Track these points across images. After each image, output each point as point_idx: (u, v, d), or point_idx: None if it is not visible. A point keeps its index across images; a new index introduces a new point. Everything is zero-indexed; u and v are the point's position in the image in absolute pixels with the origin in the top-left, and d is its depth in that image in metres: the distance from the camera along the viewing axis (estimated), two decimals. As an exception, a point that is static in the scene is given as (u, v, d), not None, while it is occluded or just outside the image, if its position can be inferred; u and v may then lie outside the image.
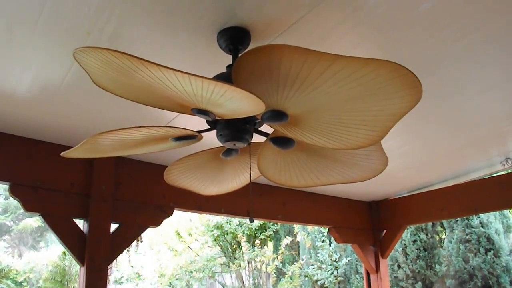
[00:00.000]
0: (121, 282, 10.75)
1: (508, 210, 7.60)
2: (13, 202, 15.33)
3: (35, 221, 14.52)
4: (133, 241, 4.22)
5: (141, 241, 5.60)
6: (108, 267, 3.92)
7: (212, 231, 8.97)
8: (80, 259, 3.65)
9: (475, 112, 3.46)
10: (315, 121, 1.75)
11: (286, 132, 1.87)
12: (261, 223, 8.85)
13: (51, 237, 15.32)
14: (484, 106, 3.37)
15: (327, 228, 7.99)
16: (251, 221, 2.18)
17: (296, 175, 2.35)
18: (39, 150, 3.56)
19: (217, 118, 1.80)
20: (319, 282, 8.42)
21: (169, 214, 4.13)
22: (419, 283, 7.50)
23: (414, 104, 1.56)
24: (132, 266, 9.85)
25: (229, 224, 8.90)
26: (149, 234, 10.64)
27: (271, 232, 8.93)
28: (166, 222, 9.35)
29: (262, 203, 4.89)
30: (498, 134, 4.03)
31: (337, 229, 5.61)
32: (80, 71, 2.56)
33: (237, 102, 1.53)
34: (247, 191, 4.28)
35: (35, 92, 2.83)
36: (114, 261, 6.00)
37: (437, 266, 7.52)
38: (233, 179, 2.57)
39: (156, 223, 4.06)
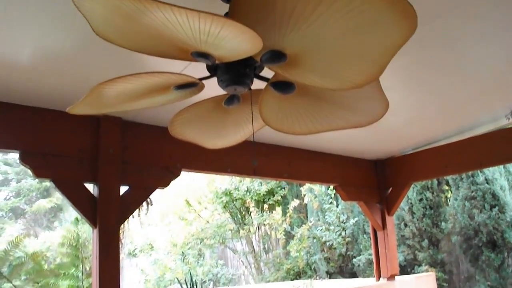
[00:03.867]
0: (135, 254, 10.87)
1: (513, 165, 7.63)
2: (25, 185, 15.46)
3: (48, 202, 14.65)
4: (142, 202, 4.31)
5: (151, 204, 5.69)
6: (120, 231, 4.00)
7: (221, 198, 9.05)
8: (92, 221, 3.74)
9: (476, 63, 3.47)
10: (313, 61, 1.78)
11: (286, 74, 1.89)
12: (269, 188, 8.91)
13: (65, 216, 15.46)
14: (484, 57, 3.38)
15: (334, 189, 8.08)
16: (254, 163, 2.22)
17: (298, 122, 2.38)
18: (46, 118, 3.62)
19: (217, 62, 1.83)
20: (327, 243, 8.52)
21: (177, 174, 4.20)
22: (426, 240, 7.58)
23: (409, 35, 1.57)
24: (142, 226, 9.92)
25: (238, 190, 8.98)
26: (159, 206, 10.75)
27: (279, 197, 9.00)
28: (175, 191, 9.47)
29: (268, 162, 4.95)
30: (502, 87, 4.05)
31: (343, 187, 5.67)
32: (80, 39, 2.61)
33: (235, 39, 1.55)
34: (253, 150, 4.33)
35: (38, 61, 2.87)
36: (127, 230, 6.11)
37: (443, 223, 7.59)
38: (236, 131, 2.59)
39: (164, 184, 4.14)
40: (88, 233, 5.12)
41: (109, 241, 3.76)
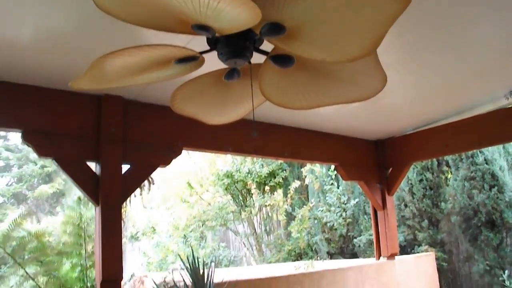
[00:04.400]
0: (137, 237, 10.93)
1: (512, 145, 7.66)
2: (27, 171, 15.49)
3: (50, 187, 14.70)
4: (144, 181, 4.36)
5: (153, 184, 5.74)
6: (123, 211, 4.05)
7: (222, 180, 9.11)
8: (95, 199, 3.79)
9: (475, 43, 3.49)
10: (311, 33, 1.80)
11: (285, 47, 1.92)
12: (270, 170, 8.96)
13: (67, 201, 15.48)
14: (484, 37, 3.40)
15: (335, 169, 8.13)
16: (255, 135, 2.25)
17: (298, 96, 2.41)
18: (48, 97, 3.65)
19: (217, 35, 1.86)
20: (328, 224, 8.59)
21: (178, 153, 4.24)
22: (425, 221, 7.64)
23: (404, 7, 1.60)
24: (144, 207, 9.98)
25: (239, 172, 9.03)
26: (161, 189, 10.80)
27: (280, 179, 9.05)
28: (177, 174, 9.50)
29: (269, 141, 4.99)
30: (501, 67, 4.06)
31: (343, 167, 5.72)
32: (82, 17, 2.63)
33: (234, 10, 1.58)
34: (252, 123, 4.35)
35: (39, 40, 2.90)
36: (129, 210, 6.17)
37: (442, 204, 7.64)
38: (237, 106, 2.62)
39: (166, 162, 4.18)
40: (90, 213, 5.17)
41: (111, 218, 3.81)
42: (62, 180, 15.19)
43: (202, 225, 9.33)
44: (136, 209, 10.80)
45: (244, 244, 9.72)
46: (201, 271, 4.20)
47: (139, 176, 4.10)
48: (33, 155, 15.32)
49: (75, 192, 5.64)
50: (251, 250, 9.38)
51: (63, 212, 5.98)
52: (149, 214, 11.00)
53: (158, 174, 10.70)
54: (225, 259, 9.53)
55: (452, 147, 5.77)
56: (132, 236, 10.86)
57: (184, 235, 9.54)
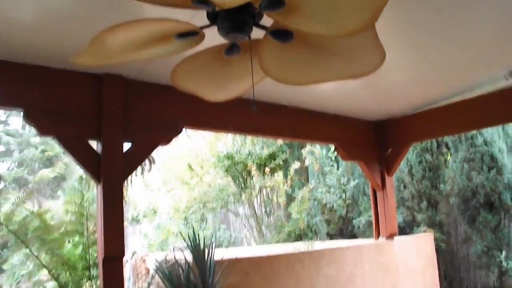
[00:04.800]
0: (138, 219, 10.97)
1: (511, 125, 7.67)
2: (28, 155, 15.50)
3: (51, 172, 14.71)
4: (145, 159, 4.40)
5: (154, 163, 5.79)
6: (124, 187, 4.09)
7: (222, 161, 9.14)
8: (96, 177, 3.84)
9: (474, 23, 3.50)
10: (311, 7, 1.82)
11: (284, 22, 1.94)
12: (270, 152, 8.98)
13: (68, 185, 15.48)
14: (483, 17, 3.41)
15: (335, 149, 8.16)
16: (254, 109, 2.28)
17: (297, 72, 2.43)
18: (49, 76, 3.68)
19: (217, 10, 1.89)
20: (327, 205, 8.65)
21: (179, 131, 4.28)
22: (424, 202, 7.69)
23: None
24: (145, 186, 10.02)
25: (239, 154, 9.06)
26: (162, 172, 10.83)
27: (280, 161, 9.08)
28: (177, 156, 9.52)
29: (269, 120, 5.02)
30: (501, 47, 4.07)
31: (343, 147, 5.75)
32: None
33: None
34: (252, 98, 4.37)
35: (40, 18, 2.92)
36: (130, 188, 6.21)
37: (441, 185, 7.69)
38: (237, 83, 2.64)
39: (166, 140, 4.22)
40: (92, 194, 5.21)
41: (113, 196, 3.86)
42: (63, 164, 15.22)
43: (203, 207, 9.38)
44: (137, 192, 10.84)
45: (244, 225, 9.79)
46: (202, 249, 4.26)
47: (140, 155, 4.14)
48: (34, 140, 15.36)
49: (76, 177, 5.68)
50: (251, 232, 9.44)
51: (64, 196, 6.00)
52: (150, 196, 11.04)
53: (159, 157, 10.75)
54: (226, 241, 9.60)
55: (451, 128, 5.81)
56: (133, 218, 10.90)
57: (185, 217, 9.59)
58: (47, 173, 14.40)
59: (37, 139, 15.34)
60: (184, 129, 4.35)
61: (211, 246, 4.36)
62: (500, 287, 7.28)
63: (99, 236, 3.99)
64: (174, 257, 4.37)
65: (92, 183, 5.08)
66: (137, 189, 10.83)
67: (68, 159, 14.40)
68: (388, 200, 6.19)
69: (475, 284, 7.72)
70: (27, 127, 15.35)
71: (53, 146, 14.72)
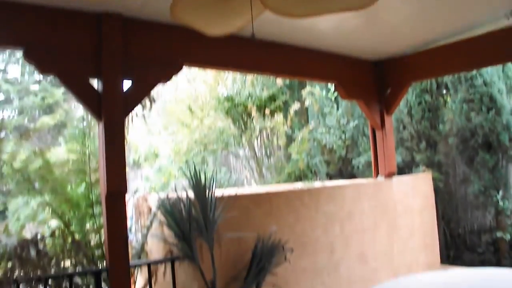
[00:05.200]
0: (139, 163, 11.05)
1: (511, 67, 7.65)
2: (28, 103, 15.48)
3: (51, 119, 14.72)
4: (145, 97, 4.44)
5: (154, 102, 5.81)
6: (125, 124, 4.14)
7: (223, 104, 9.15)
8: (97, 115, 3.88)
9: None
10: None
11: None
12: (270, 94, 8.97)
13: (69, 130, 15.44)
14: None
15: (334, 89, 8.16)
16: (253, 38, 2.29)
17: (295, 4, 2.43)
18: (49, 14, 3.69)
19: None
20: (327, 146, 8.72)
21: (178, 69, 4.29)
22: (423, 142, 7.73)
23: None
24: (145, 123, 10.05)
25: (239, 96, 9.06)
26: (163, 117, 10.85)
27: (280, 103, 9.08)
28: (178, 100, 9.51)
29: (269, 59, 5.04)
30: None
31: (343, 85, 5.77)
32: None
33: None
34: (253, 46, 4.40)
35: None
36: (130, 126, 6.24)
37: (440, 126, 7.72)
38: (236, 17, 2.64)
39: (166, 78, 4.25)
40: (94, 131, 5.24)
41: (114, 132, 3.92)
42: (63, 111, 15.23)
43: (204, 149, 9.43)
44: (138, 136, 10.89)
45: (244, 167, 9.88)
46: (203, 184, 4.35)
47: (141, 92, 4.17)
48: (33, 87, 15.31)
49: (77, 124, 5.71)
50: (252, 173, 9.54)
51: (66, 136, 6.03)
52: (151, 140, 11.09)
53: (160, 102, 10.76)
54: (226, 182, 9.70)
55: (451, 67, 5.82)
56: (134, 162, 10.98)
57: (186, 160, 9.66)
58: (47, 120, 14.42)
59: (36, 87, 15.30)
60: (183, 67, 4.36)
61: (212, 182, 4.44)
62: (496, 226, 7.42)
63: (101, 173, 4.06)
64: (176, 194, 4.46)
65: (94, 122, 5.11)
66: (138, 133, 10.89)
67: (68, 106, 14.43)
68: (387, 139, 6.25)
69: (472, 224, 7.88)
70: (26, 75, 15.31)
71: (53, 93, 14.70)
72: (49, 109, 15.61)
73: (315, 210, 5.40)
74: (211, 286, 4.34)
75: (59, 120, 14.65)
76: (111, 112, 3.90)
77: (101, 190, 4.24)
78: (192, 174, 4.41)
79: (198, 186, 4.35)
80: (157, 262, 4.77)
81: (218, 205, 4.45)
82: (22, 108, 15.60)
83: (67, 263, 4.73)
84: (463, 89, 7.43)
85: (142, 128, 10.77)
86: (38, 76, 15.24)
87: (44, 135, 15.58)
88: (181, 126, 9.86)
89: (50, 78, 15.55)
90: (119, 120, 3.96)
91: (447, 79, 7.62)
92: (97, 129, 4.28)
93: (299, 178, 8.62)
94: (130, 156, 10.59)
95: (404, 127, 7.86)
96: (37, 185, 5.14)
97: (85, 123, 5.43)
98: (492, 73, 7.33)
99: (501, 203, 7.14)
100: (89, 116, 5.30)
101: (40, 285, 4.14)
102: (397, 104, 6.26)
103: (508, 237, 7.14)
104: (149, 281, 4.56)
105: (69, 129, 5.70)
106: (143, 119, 6.73)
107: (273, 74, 6.72)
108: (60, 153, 5.64)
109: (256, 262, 4.49)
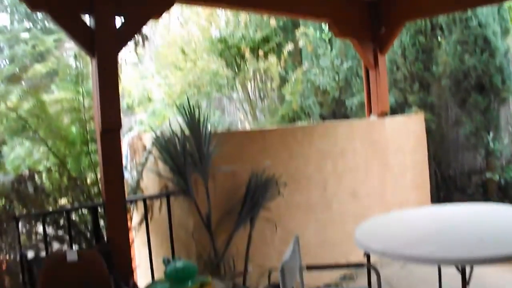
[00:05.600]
0: (133, 107, 11.03)
1: (507, 9, 7.59)
2: (19, 52, 15.27)
3: (43, 66, 14.58)
4: (137, 32, 4.43)
5: (147, 39, 5.77)
6: (118, 60, 4.13)
7: (216, 45, 9.08)
8: (90, 51, 3.88)
9: None
10: None
11: None
12: (264, 35, 8.90)
13: (61, 75, 15.33)
14: None
15: (328, 29, 8.11)
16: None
17: None
18: None
19: None
20: (321, 87, 8.71)
21: (170, 4, 4.28)
22: (417, 84, 7.72)
23: None
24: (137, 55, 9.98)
25: (233, 37, 8.98)
26: (156, 62, 10.77)
27: (274, 44, 9.01)
28: (171, 43, 9.45)
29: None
30: None
31: (336, 23, 5.75)
32: None
33: None
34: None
35: None
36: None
37: (434, 67, 7.70)
38: None
39: (158, 13, 4.24)
40: (87, 69, 5.21)
41: (108, 68, 3.93)
42: (55, 58, 15.08)
43: (197, 92, 9.41)
44: (131, 80, 10.86)
45: (238, 110, 9.89)
46: (197, 119, 4.38)
47: (133, 28, 4.15)
48: (24, 35, 15.11)
49: (70, 71, 5.67)
50: (246, 116, 9.56)
51: (59, 74, 5.98)
52: (144, 83, 11.05)
53: (152, 46, 10.66)
54: (221, 125, 9.73)
55: (446, 6, 5.79)
56: (128, 106, 10.96)
57: (179, 103, 9.64)
58: (39, 68, 14.29)
59: (26, 35, 15.11)
60: (174, 3, 4.34)
61: (206, 117, 4.47)
62: (486, 167, 7.52)
63: (95, 109, 4.08)
64: (171, 129, 4.49)
65: (87, 64, 5.09)
66: (131, 78, 10.85)
67: (60, 53, 14.30)
68: (380, 78, 6.27)
69: (463, 166, 7.97)
70: (15, 23, 15.09)
71: (44, 41, 14.54)
72: (40, 57, 15.48)
73: (309, 147, 5.46)
74: (206, 219, 4.43)
75: (51, 68, 14.54)
76: (104, 48, 3.89)
77: (95, 126, 4.27)
78: (187, 109, 4.43)
79: (193, 121, 4.38)
80: (153, 197, 4.84)
81: (212, 140, 4.49)
82: (13, 57, 15.45)
83: (64, 201, 4.80)
84: (457, 30, 7.38)
85: (135, 73, 10.74)
86: (28, 23, 15.06)
87: (36, 83, 15.50)
88: (174, 69, 9.81)
89: (40, 25, 15.40)
90: (112, 55, 3.96)
91: (442, 20, 7.56)
92: (90, 70, 4.28)
93: (292, 120, 8.67)
94: (123, 101, 10.56)
95: (398, 68, 7.85)
96: (31, 123, 5.15)
97: (79, 64, 5.39)
98: (487, 14, 7.28)
99: (491, 144, 7.22)
100: (82, 61, 5.27)
101: (38, 222, 4.21)
102: (391, 44, 6.25)
103: (497, 177, 7.24)
104: (145, 216, 4.64)
105: (62, 73, 5.63)
106: (136, 59, 6.70)
107: (265, 11, 6.63)
108: (54, 96, 5.63)
109: (250, 196, 4.57)
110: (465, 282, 3.19)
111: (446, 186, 7.82)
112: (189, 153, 4.32)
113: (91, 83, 4.43)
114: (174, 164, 4.31)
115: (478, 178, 7.71)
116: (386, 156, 6.28)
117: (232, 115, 10.49)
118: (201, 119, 4.44)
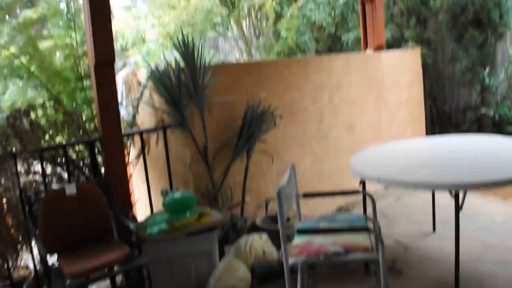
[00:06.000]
0: (127, 49, 10.90)
1: None
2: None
3: (33, 12, 14.28)
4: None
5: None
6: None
7: (209, -19, 8.93)
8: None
9: None
10: None
11: None
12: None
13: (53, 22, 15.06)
14: None
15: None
16: None
17: None
18: None
19: None
20: (317, 23, 8.60)
21: None
22: (413, 19, 7.64)
23: None
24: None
25: (226, -28, 8.83)
26: (148, 2, 10.59)
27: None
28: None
29: None
30: None
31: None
32: None
33: None
34: None
35: None
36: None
37: (431, 2, 7.59)
38: None
39: None
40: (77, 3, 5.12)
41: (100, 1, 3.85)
42: (45, 3, 14.76)
43: (192, 31, 9.27)
44: (124, 22, 10.71)
45: (234, 48, 9.79)
46: (192, 49, 4.33)
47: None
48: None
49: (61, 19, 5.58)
50: (241, 54, 9.48)
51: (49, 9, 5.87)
52: (138, 24, 10.89)
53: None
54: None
55: None
56: (122, 48, 10.83)
57: (174, 43, 9.51)
58: (30, 14, 14.02)
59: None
60: None
61: (201, 49, 4.42)
62: (481, 103, 7.53)
63: (88, 43, 4.04)
64: (165, 62, 4.45)
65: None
66: (124, 19, 10.69)
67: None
68: (377, 12, 6.18)
69: (458, 102, 7.97)
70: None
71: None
72: (30, 3, 15.16)
73: (304, 79, 5.43)
74: (203, 151, 4.46)
75: (41, 13, 14.26)
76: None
77: (89, 62, 4.24)
78: (181, 42, 4.38)
79: (187, 53, 4.34)
80: (149, 131, 4.84)
81: (208, 72, 4.46)
82: (1, 4, 15.10)
83: (61, 139, 4.80)
84: (455, -36, 7.25)
85: (128, 16, 10.57)
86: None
87: (28, 29, 15.22)
88: (168, 9, 9.65)
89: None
90: None
91: (440, -48, 7.42)
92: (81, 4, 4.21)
93: (288, 56, 8.60)
94: (117, 44, 10.43)
95: (394, 3, 7.74)
96: (23, 59, 5.11)
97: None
98: None
99: (487, 80, 7.20)
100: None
101: (36, 160, 4.23)
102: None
103: (491, 113, 7.26)
104: (142, 150, 4.65)
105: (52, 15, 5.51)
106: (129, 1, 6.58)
107: None
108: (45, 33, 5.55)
109: (246, 128, 4.58)
110: (458, 207, 3.24)
111: (441, 122, 7.85)
112: (184, 84, 4.30)
113: (83, 17, 4.36)
114: (169, 96, 4.29)
115: (473, 113, 7.74)
116: (382, 90, 6.26)
117: (228, 53, 10.41)
118: (196, 51, 4.39)
